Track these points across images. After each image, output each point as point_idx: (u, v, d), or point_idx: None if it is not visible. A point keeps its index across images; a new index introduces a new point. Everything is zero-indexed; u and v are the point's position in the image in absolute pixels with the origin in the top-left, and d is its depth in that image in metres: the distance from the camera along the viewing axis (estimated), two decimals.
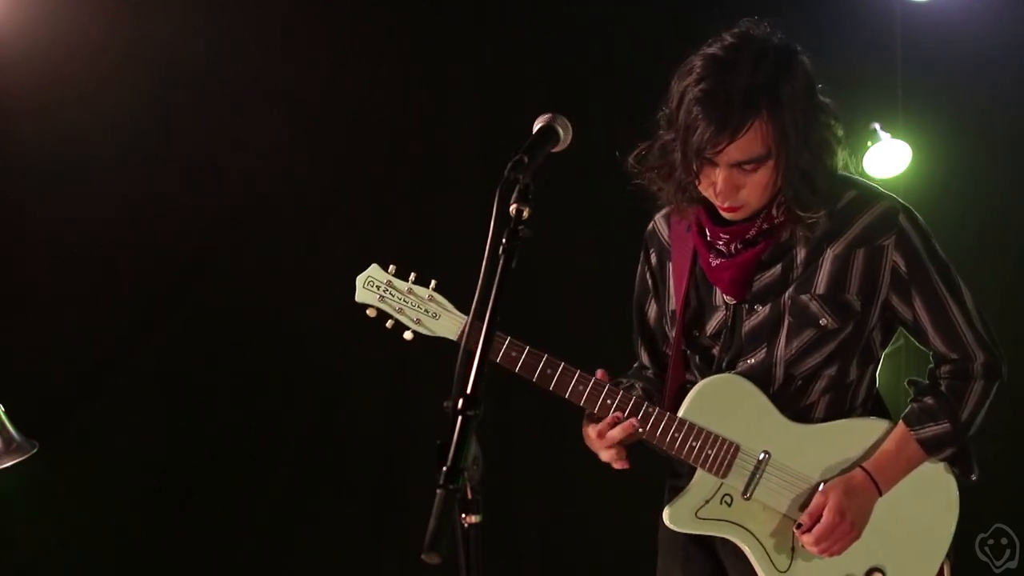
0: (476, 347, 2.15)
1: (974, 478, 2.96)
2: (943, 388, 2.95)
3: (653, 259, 3.14)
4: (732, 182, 2.78)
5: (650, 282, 3.16)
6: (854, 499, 2.86)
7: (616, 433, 2.92)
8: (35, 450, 3.22)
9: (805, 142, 2.77)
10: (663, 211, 3.10)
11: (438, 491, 2.04)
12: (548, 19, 5.05)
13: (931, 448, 2.92)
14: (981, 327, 2.94)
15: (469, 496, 2.12)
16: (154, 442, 4.84)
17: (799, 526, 2.87)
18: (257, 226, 4.90)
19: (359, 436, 5.08)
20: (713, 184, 2.80)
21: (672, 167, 2.85)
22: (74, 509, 4.75)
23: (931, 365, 3.01)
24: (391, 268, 3.01)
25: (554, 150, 2.67)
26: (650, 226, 3.16)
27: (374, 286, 2.99)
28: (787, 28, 2.89)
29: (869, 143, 5.04)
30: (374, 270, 3.00)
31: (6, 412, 3.21)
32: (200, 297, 4.88)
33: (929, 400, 2.94)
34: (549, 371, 2.94)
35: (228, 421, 4.91)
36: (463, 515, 2.12)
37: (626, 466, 2.98)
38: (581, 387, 2.93)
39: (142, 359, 4.85)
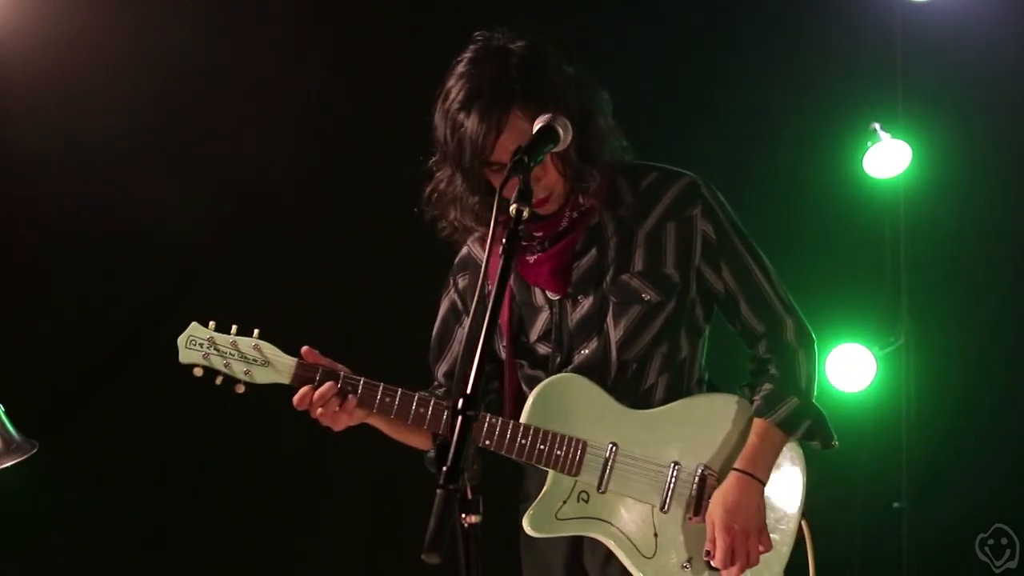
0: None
1: (835, 444, 3.02)
2: (773, 371, 2.99)
3: (461, 283, 3.15)
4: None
5: (460, 306, 3.16)
6: (737, 508, 2.87)
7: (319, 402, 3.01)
8: (35, 450, 3.21)
9: (568, 112, 2.76)
10: (474, 235, 3.08)
11: (438, 491, 2.04)
12: (548, 19, 5.04)
13: (790, 426, 2.95)
14: (785, 295, 3.03)
15: (469, 496, 2.12)
16: (154, 442, 4.83)
17: (708, 553, 2.87)
18: (256, 228, 4.89)
19: (359, 436, 5.06)
20: None
21: (462, 193, 2.89)
22: (74, 509, 4.75)
23: (750, 352, 3.06)
24: (211, 324, 2.91)
25: (554, 150, 2.67)
26: (464, 251, 3.17)
27: (196, 344, 2.89)
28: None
29: (869, 143, 5.03)
30: (194, 328, 2.90)
31: (6, 412, 3.21)
32: (200, 297, 4.87)
33: (768, 386, 2.98)
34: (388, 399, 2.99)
35: (228, 421, 4.89)
36: (463, 515, 2.12)
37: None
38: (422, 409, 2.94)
39: (142, 359, 4.84)
